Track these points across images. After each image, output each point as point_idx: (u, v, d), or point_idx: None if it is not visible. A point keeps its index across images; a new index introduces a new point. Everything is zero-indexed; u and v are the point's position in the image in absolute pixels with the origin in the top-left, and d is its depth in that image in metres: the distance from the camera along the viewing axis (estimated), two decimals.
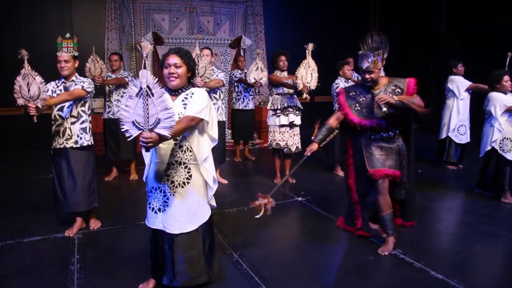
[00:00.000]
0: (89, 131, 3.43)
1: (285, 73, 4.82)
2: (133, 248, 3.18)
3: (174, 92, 2.34)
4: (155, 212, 2.40)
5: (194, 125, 2.28)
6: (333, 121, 3.30)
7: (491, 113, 4.34)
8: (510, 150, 4.26)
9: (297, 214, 4.13)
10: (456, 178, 5.42)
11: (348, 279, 2.81)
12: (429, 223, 3.63)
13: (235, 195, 4.60)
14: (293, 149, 4.84)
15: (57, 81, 3.38)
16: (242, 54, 8.13)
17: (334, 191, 4.57)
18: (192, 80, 2.45)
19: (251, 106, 6.22)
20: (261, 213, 2.78)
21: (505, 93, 4.30)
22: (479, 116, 4.75)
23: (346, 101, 3.26)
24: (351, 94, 3.27)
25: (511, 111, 4.24)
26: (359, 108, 3.22)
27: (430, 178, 5.29)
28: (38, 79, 2.93)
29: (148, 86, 1.89)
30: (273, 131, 4.85)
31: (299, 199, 4.46)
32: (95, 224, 3.61)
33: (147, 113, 1.91)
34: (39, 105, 2.90)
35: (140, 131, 1.95)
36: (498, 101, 4.27)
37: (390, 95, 3.06)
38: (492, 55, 5.57)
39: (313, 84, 4.55)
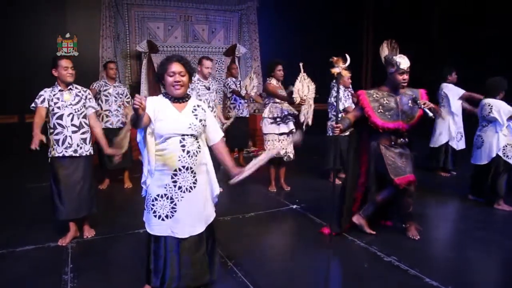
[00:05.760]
0: (88, 142, 3.44)
1: (281, 83, 4.77)
2: (127, 257, 3.16)
3: (179, 99, 2.38)
4: (162, 220, 2.37)
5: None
6: (352, 117, 3.45)
7: (494, 120, 4.26)
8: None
9: (291, 222, 4.12)
10: (449, 184, 5.45)
11: (343, 286, 2.81)
12: (423, 229, 3.64)
13: (229, 203, 4.58)
14: (291, 156, 4.83)
15: (51, 88, 3.34)
16: (237, 63, 8.17)
17: (328, 198, 4.55)
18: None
19: (245, 113, 6.24)
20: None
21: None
22: (471, 122, 4.77)
23: (370, 103, 3.34)
24: (374, 96, 3.36)
25: None
26: (382, 111, 3.32)
27: (423, 185, 5.27)
28: None
29: None
30: (272, 140, 4.77)
31: (294, 206, 4.46)
32: (89, 233, 3.58)
33: None
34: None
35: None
36: (501, 108, 4.23)
37: (410, 101, 3.34)
38: (484, 60, 5.64)
39: (310, 96, 4.53)
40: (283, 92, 4.69)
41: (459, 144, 5.75)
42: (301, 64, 4.54)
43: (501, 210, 4.27)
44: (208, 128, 2.44)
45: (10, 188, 5.20)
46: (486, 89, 4.44)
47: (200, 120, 2.37)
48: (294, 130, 4.78)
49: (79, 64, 4.64)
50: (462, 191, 4.83)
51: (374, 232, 3.55)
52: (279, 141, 4.77)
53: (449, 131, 5.70)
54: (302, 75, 4.51)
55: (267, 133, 4.80)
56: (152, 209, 2.39)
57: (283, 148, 4.76)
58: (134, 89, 7.74)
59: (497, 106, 4.25)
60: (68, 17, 7.44)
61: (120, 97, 5.09)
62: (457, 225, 4.15)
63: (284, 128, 4.73)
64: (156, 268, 2.48)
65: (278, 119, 4.71)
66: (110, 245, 3.43)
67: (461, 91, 5.57)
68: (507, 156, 4.26)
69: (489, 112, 4.28)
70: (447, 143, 5.74)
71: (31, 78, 6.44)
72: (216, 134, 2.49)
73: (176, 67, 2.31)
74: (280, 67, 4.72)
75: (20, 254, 3.23)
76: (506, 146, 4.27)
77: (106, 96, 4.99)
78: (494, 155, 4.30)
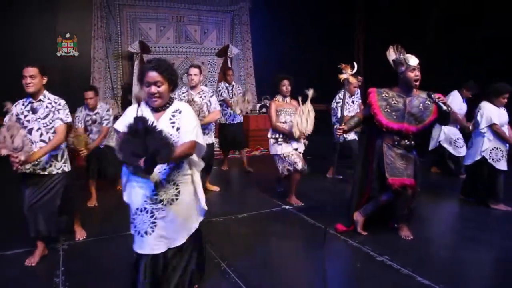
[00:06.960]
0: (61, 159, 3.13)
1: (288, 99, 4.51)
2: (119, 259, 3.12)
3: (157, 108, 2.25)
4: (141, 236, 2.26)
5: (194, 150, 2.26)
6: (361, 115, 3.57)
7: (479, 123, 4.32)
8: (500, 159, 4.29)
9: (285, 223, 4.12)
10: (442, 185, 5.48)
11: (336, 286, 2.81)
12: (416, 229, 3.66)
13: (222, 204, 4.58)
14: (303, 166, 4.45)
15: (24, 100, 3.07)
16: (229, 63, 8.16)
17: (321, 199, 4.58)
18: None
19: (238, 119, 6.13)
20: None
21: (498, 107, 4.31)
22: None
23: (377, 101, 3.38)
24: (383, 95, 3.41)
25: (493, 129, 4.24)
26: (389, 110, 3.36)
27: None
28: (22, 132, 2.81)
29: (146, 128, 1.93)
30: (277, 159, 4.51)
31: (287, 207, 4.46)
32: (80, 235, 3.55)
33: (146, 147, 1.94)
34: (22, 158, 2.76)
35: (140, 159, 1.96)
36: (485, 113, 4.27)
37: (421, 105, 3.34)
38: (482, 61, 5.63)
39: (309, 129, 4.32)
40: (289, 110, 4.44)
41: (460, 150, 5.65)
42: (308, 95, 4.27)
43: (497, 209, 4.30)
44: (181, 129, 2.23)
45: (3, 190, 5.12)
46: (487, 92, 4.44)
47: (178, 128, 2.22)
48: (299, 150, 4.47)
49: (75, 65, 4.52)
50: (454, 191, 4.88)
51: (365, 233, 3.57)
52: (284, 156, 4.42)
53: (447, 136, 5.70)
54: (301, 109, 4.27)
55: (273, 154, 4.56)
56: (133, 223, 2.32)
57: (292, 164, 4.39)
58: (126, 91, 7.71)
59: (482, 110, 4.32)
60: (60, 17, 7.36)
61: (100, 122, 4.44)
62: (449, 224, 4.19)
63: (286, 149, 4.42)
64: (137, 283, 2.37)
65: (280, 139, 4.45)
66: (102, 247, 3.41)
67: (460, 106, 5.53)
68: (493, 159, 4.30)
69: (476, 115, 4.39)
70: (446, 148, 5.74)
71: (21, 84, 6.37)
72: (185, 136, 2.22)
73: (151, 76, 2.15)
74: (285, 82, 4.44)
75: (11, 258, 3.20)
76: (493, 149, 4.30)
77: (88, 123, 4.46)
78: (477, 157, 4.35)
